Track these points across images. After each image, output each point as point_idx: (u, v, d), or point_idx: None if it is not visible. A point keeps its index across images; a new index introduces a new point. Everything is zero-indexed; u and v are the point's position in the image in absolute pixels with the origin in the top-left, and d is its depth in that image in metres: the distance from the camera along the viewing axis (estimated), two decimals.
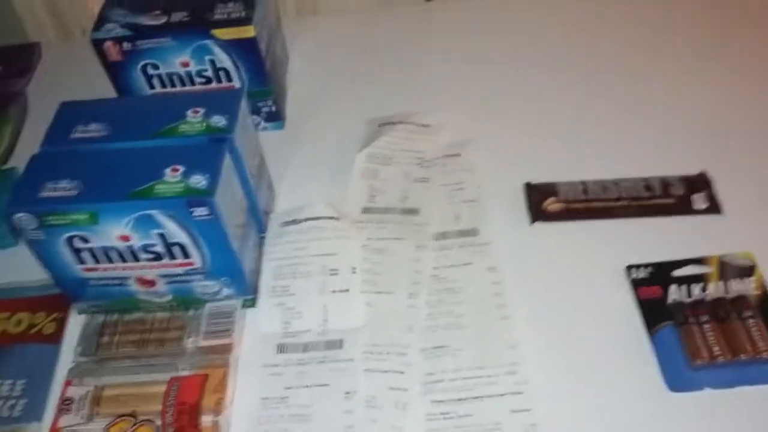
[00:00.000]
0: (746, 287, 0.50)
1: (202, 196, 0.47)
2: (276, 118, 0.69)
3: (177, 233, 0.49)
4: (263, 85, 0.66)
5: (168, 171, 0.48)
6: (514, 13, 0.80)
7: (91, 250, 0.50)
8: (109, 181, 0.48)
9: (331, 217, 0.57)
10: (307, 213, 0.58)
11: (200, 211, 0.47)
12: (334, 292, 0.53)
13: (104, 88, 0.66)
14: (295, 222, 0.57)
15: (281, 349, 0.52)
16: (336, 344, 0.51)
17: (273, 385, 0.50)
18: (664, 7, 0.77)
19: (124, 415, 0.49)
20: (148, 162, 0.49)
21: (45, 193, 0.48)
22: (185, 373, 0.50)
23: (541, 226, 0.58)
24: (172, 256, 0.50)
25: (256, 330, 0.54)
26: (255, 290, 0.55)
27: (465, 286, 0.54)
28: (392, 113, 0.69)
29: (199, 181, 0.48)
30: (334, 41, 0.81)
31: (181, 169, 0.48)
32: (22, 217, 0.48)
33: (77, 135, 0.52)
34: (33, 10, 0.88)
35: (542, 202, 0.59)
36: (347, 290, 0.53)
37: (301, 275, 0.54)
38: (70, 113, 0.54)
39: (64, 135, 0.53)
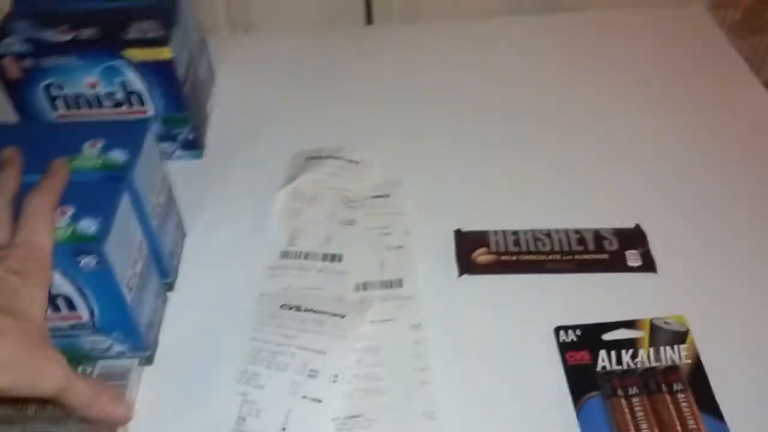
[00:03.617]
0: (678, 355, 0.48)
1: (90, 244, 0.42)
2: (194, 146, 0.64)
3: (61, 284, 0.43)
4: (180, 111, 0.61)
5: (56, 212, 0.43)
6: (459, 46, 0.77)
7: None
8: None
9: (335, 314, 0.50)
10: (312, 304, 0.51)
11: (88, 260, 0.42)
12: (304, 398, 0.46)
13: (3, 105, 0.60)
14: (296, 308, 0.51)
15: None
16: None
17: None
18: (602, 60, 0.75)
19: None
20: None
21: None
22: None
23: (469, 279, 0.54)
24: (56, 309, 0.44)
25: (152, 395, 0.48)
26: (153, 346, 0.50)
27: (385, 345, 0.50)
28: (323, 145, 0.65)
29: (88, 226, 0.42)
30: (265, 63, 0.77)
31: (69, 211, 0.43)
32: None
33: None
34: None
35: (472, 252, 0.55)
36: (320, 401, 0.46)
37: (276, 367, 0.48)
38: None
39: None
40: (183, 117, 0.61)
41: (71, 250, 0.42)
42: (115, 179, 0.46)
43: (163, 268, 0.52)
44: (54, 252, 0.42)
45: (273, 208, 0.59)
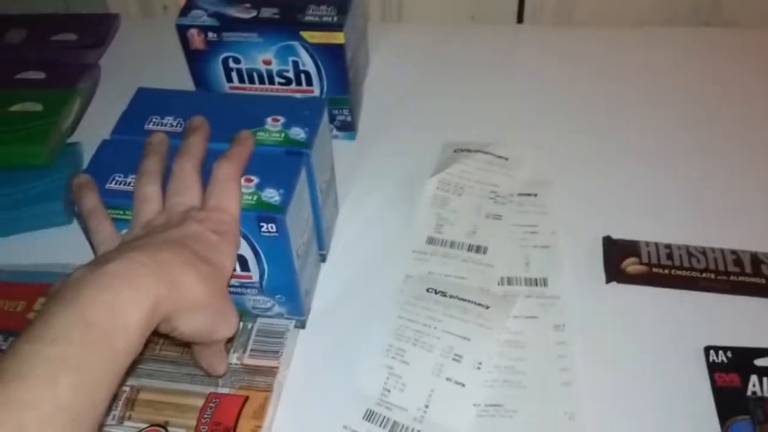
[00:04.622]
0: None
1: (274, 213, 0.45)
2: (349, 128, 0.67)
3: (241, 246, 0.46)
4: (342, 93, 0.63)
5: (242, 181, 0.46)
6: (614, 48, 0.76)
7: None
8: None
9: (479, 304, 0.52)
10: (457, 291, 0.53)
11: (269, 227, 0.45)
12: (448, 380, 0.49)
13: (178, 70, 0.65)
14: (442, 293, 0.53)
15: (369, 416, 0.47)
16: None
17: None
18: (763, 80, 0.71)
19: (156, 425, 0.47)
20: None
21: (112, 186, 0.46)
22: (225, 390, 0.48)
23: (617, 288, 0.54)
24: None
25: (304, 357, 0.51)
26: (308, 311, 0.53)
27: (528, 340, 0.51)
28: (470, 138, 0.66)
29: (272, 196, 0.45)
30: (415, 52, 0.78)
31: (255, 180, 0.46)
32: None
33: (151, 126, 0.50)
34: None
35: (621, 260, 0.55)
36: (463, 385, 0.48)
37: (422, 346, 0.51)
38: (147, 101, 0.53)
39: (137, 123, 0.51)
40: (345, 99, 0.64)
41: (256, 217, 0.45)
42: (296, 154, 0.48)
43: (320, 241, 0.55)
44: (240, 217, 0.45)
45: (422, 195, 0.61)
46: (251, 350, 0.50)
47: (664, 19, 0.81)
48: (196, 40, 0.61)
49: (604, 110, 0.69)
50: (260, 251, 0.47)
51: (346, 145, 0.67)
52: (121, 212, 0.46)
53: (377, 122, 0.69)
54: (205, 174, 0.46)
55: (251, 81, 0.63)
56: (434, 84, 0.74)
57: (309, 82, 0.62)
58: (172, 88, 0.55)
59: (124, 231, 0.45)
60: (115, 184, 0.46)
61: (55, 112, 0.63)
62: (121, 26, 0.81)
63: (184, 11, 0.61)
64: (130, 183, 0.46)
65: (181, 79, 0.64)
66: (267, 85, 0.63)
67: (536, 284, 0.55)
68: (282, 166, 0.47)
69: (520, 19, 0.84)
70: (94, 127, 0.68)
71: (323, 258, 0.57)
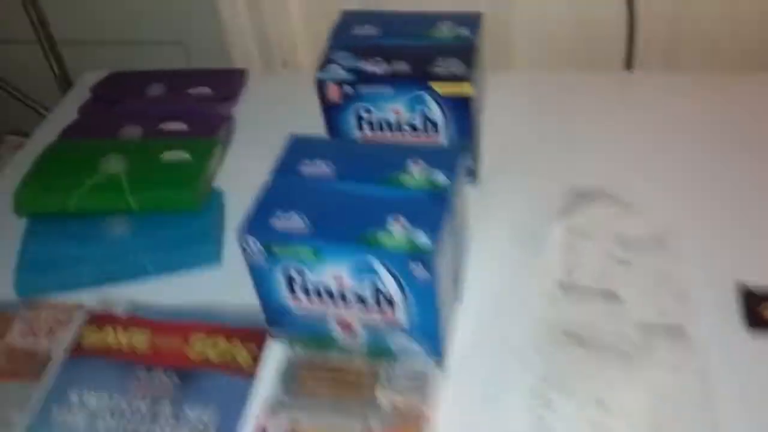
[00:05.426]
0: None
1: (425, 254, 0.47)
2: (470, 173, 0.69)
3: (390, 285, 0.49)
4: (466, 141, 0.66)
5: (392, 221, 0.49)
6: (722, 93, 0.76)
7: (304, 284, 0.51)
8: (335, 221, 0.50)
9: (620, 351, 0.53)
10: (594, 337, 0.54)
11: (419, 269, 0.48)
12: (597, 425, 0.49)
13: (305, 119, 0.67)
14: (579, 338, 0.54)
15: None
16: None
17: None
18: None
19: None
20: (373, 209, 0.50)
21: (276, 223, 0.50)
22: (377, 426, 0.50)
23: (756, 334, 0.54)
24: (379, 306, 0.51)
25: (450, 399, 0.52)
26: (446, 352, 0.55)
27: (671, 388, 0.51)
28: (589, 183, 0.67)
29: (422, 237, 0.48)
30: (526, 98, 0.80)
31: (406, 222, 0.49)
32: (251, 242, 0.50)
33: (304, 169, 0.54)
34: (242, 38, 0.94)
35: (758, 305, 0.55)
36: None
37: (568, 393, 0.51)
38: (298, 147, 0.57)
39: (292, 167, 0.55)
40: (468, 146, 0.66)
41: (408, 258, 0.47)
42: (440, 198, 0.51)
43: (455, 283, 0.57)
44: (392, 257, 0.48)
45: (548, 239, 0.62)
46: (401, 390, 0.51)
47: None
48: (334, 93, 0.65)
49: (726, 155, 0.69)
50: (408, 291, 0.49)
51: (468, 190, 0.69)
52: (282, 249, 0.49)
53: (494, 167, 0.72)
54: (353, 202, 0.50)
55: (380, 129, 0.66)
56: (546, 129, 0.76)
57: (435, 130, 0.65)
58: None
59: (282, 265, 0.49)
60: (278, 222, 0.50)
61: (202, 160, 0.68)
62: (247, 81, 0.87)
63: (323, 66, 0.66)
64: (292, 221, 0.50)
65: (310, 127, 0.68)
66: (395, 133, 0.66)
67: (673, 331, 0.54)
68: (429, 209, 0.50)
69: (628, 65, 0.85)
70: (231, 173, 0.73)
71: (457, 299, 0.59)
